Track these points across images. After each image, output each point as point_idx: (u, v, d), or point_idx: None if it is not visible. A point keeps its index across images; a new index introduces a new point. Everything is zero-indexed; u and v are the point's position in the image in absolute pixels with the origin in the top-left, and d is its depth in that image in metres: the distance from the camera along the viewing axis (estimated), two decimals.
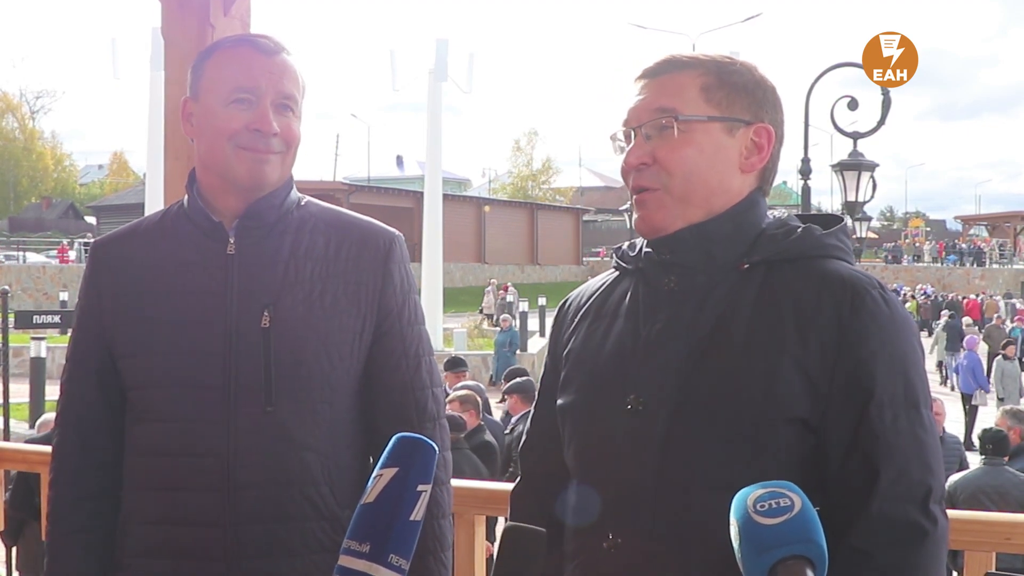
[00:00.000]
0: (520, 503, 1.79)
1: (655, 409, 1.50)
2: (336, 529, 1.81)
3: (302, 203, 1.92)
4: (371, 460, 1.89)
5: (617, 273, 1.70)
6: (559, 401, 1.66)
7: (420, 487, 1.10)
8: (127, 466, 1.88)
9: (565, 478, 1.64)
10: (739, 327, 1.49)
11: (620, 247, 1.69)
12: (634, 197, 1.59)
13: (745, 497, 1.08)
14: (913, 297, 37.31)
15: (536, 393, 1.81)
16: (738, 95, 1.57)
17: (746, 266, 1.53)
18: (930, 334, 27.16)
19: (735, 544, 1.08)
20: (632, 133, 1.57)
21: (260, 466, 1.78)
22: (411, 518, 1.08)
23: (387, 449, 1.13)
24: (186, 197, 1.92)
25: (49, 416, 6.39)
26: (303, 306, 1.81)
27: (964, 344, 18.47)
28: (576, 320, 1.70)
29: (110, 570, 1.88)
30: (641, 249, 1.63)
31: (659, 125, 1.54)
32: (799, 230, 1.55)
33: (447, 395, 7.93)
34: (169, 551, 1.80)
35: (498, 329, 22.22)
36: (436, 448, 1.15)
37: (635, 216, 1.60)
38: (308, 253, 1.85)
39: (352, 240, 1.88)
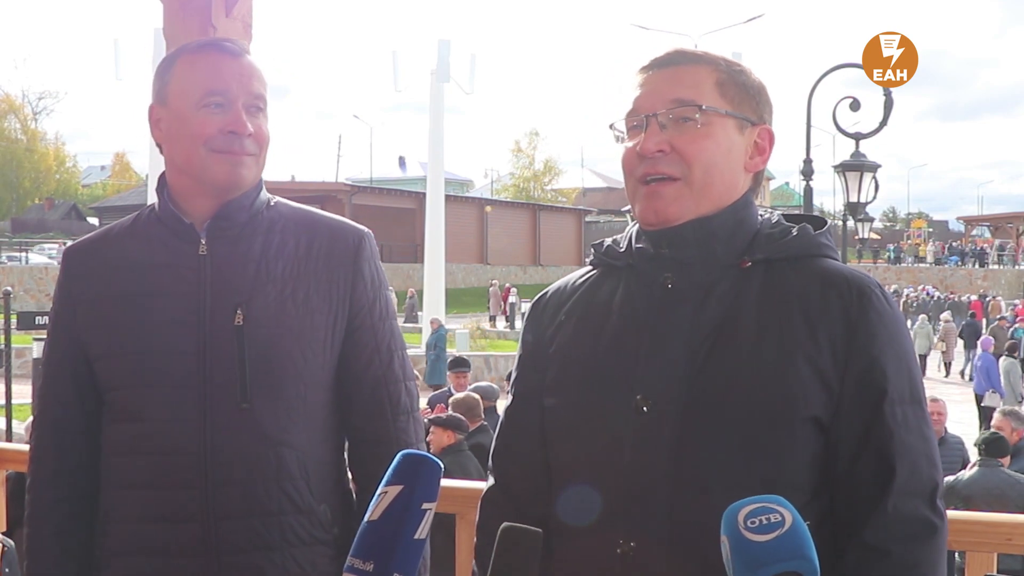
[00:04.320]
0: (494, 508, 1.66)
1: (663, 409, 1.49)
2: (312, 523, 1.84)
3: (271, 204, 1.94)
4: (346, 453, 1.95)
5: (595, 270, 1.68)
6: (549, 402, 1.62)
7: (425, 505, 1.08)
8: (104, 466, 1.89)
9: (544, 482, 1.61)
10: (746, 326, 1.48)
11: (602, 243, 1.67)
12: (644, 187, 1.55)
13: (735, 513, 1.07)
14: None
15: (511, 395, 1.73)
16: (746, 95, 1.59)
17: (748, 264, 1.53)
18: None
19: (726, 560, 1.07)
20: (646, 121, 1.55)
21: (237, 462, 1.80)
22: (415, 536, 1.07)
23: (392, 466, 1.11)
24: (157, 201, 1.93)
25: None
26: (276, 304, 1.83)
27: (979, 345, 18.56)
28: (559, 319, 1.66)
29: (89, 571, 1.90)
30: (630, 245, 1.61)
31: (680, 115, 1.53)
32: (794, 230, 1.56)
33: (451, 395, 7.97)
34: (150, 548, 1.83)
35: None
36: (441, 465, 1.14)
37: (642, 205, 1.56)
38: (279, 252, 1.87)
39: (322, 238, 1.91)
